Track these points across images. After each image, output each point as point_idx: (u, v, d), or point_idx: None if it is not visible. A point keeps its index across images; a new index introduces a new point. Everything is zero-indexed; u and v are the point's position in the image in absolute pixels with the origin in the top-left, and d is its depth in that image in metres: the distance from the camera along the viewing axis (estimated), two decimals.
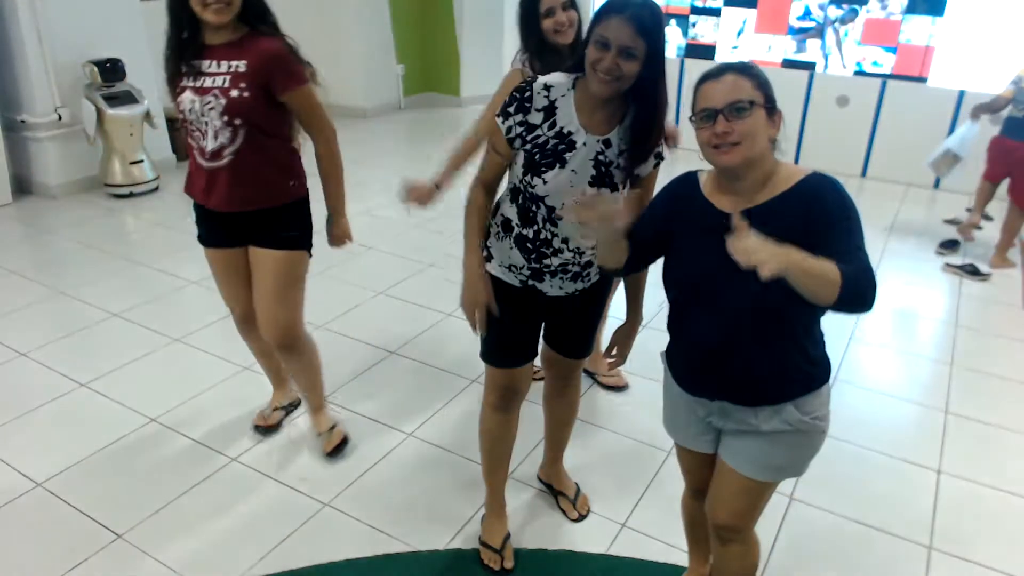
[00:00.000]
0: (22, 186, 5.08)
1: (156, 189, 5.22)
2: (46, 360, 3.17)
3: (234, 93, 2.10)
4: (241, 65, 2.11)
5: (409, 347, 3.34)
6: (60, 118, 4.89)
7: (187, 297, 3.78)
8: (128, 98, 4.97)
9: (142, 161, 5.11)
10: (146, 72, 5.27)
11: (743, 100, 1.42)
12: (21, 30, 4.62)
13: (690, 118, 1.49)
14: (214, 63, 2.12)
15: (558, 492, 2.43)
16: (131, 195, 5.09)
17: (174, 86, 2.19)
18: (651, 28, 1.59)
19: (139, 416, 2.82)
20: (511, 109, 1.75)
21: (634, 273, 1.77)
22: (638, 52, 1.59)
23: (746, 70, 1.45)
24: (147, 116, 5.08)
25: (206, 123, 2.15)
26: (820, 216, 1.40)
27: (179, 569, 2.15)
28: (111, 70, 4.90)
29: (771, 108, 1.46)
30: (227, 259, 2.39)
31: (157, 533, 2.28)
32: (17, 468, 2.53)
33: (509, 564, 2.17)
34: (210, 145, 2.17)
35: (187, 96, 2.14)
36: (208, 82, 2.12)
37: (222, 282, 2.46)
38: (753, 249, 1.25)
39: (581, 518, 2.38)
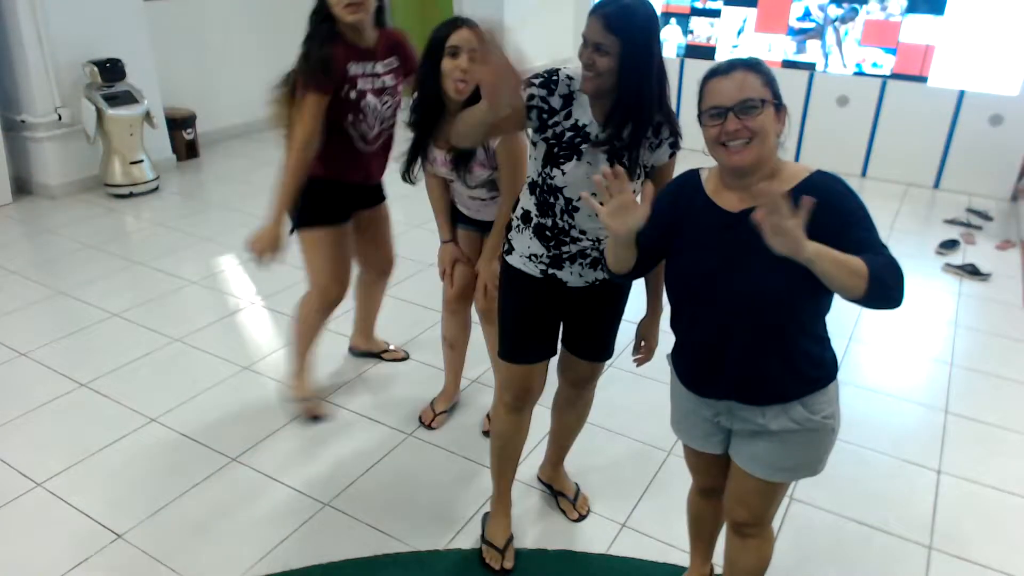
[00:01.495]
0: (22, 186, 5.07)
1: (156, 189, 5.22)
2: (46, 360, 3.17)
3: (399, 87, 2.51)
4: (395, 60, 2.48)
5: (409, 347, 3.34)
6: (60, 118, 4.89)
7: (187, 297, 3.78)
8: (128, 98, 4.97)
9: (142, 161, 5.11)
10: (146, 72, 5.27)
11: (754, 98, 1.41)
12: (21, 30, 4.62)
13: (698, 116, 1.49)
14: (380, 64, 2.43)
15: (558, 492, 2.43)
16: (131, 195, 5.09)
17: (327, 85, 2.32)
18: (622, 25, 1.64)
19: (139, 416, 2.82)
20: (536, 81, 1.78)
21: (639, 277, 1.78)
22: (609, 48, 1.65)
23: (755, 66, 1.45)
24: (147, 116, 5.07)
25: (376, 117, 2.47)
26: (832, 215, 1.40)
27: (179, 569, 2.15)
28: (111, 70, 4.90)
29: (778, 105, 1.46)
30: (343, 234, 2.65)
31: (157, 533, 2.28)
32: (17, 468, 2.53)
33: (509, 564, 2.17)
34: (375, 132, 2.52)
35: (370, 99, 2.42)
36: (379, 83, 2.44)
37: (335, 259, 2.63)
38: (790, 228, 1.25)
39: (581, 518, 2.38)
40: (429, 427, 2.80)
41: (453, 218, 2.55)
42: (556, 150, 1.80)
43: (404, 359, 3.27)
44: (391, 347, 3.30)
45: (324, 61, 2.29)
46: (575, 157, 1.79)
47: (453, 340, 2.78)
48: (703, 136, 1.48)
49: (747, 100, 1.41)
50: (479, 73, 1.61)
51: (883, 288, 1.32)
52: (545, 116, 1.79)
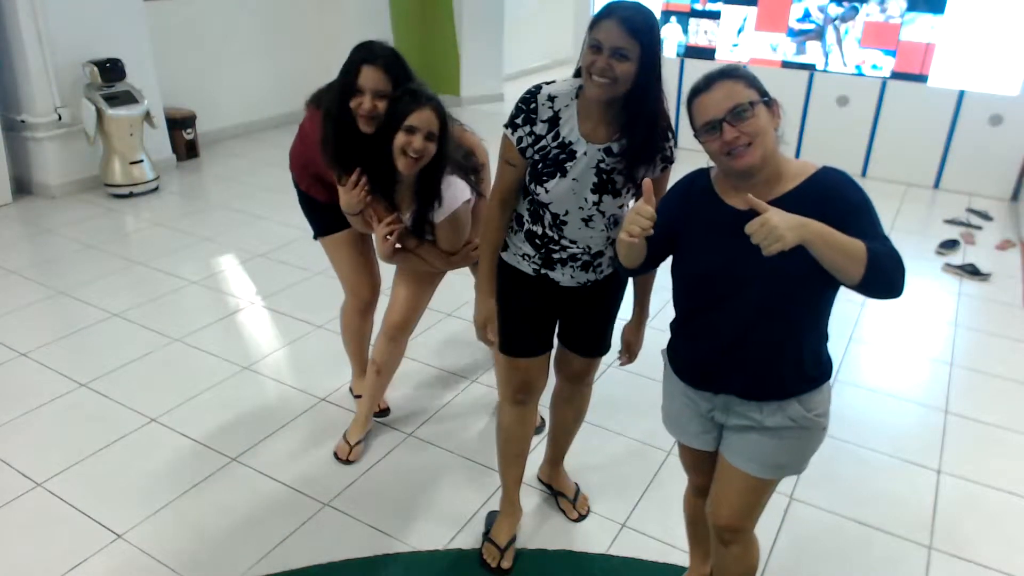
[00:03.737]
0: (22, 186, 5.07)
1: (156, 189, 5.22)
2: (46, 360, 3.17)
3: None
4: None
5: (409, 347, 3.33)
6: (60, 118, 4.89)
7: (187, 297, 3.78)
8: (128, 98, 4.97)
9: (142, 161, 5.11)
10: (146, 72, 5.27)
11: (742, 103, 1.42)
12: (21, 30, 4.62)
13: (694, 135, 1.50)
14: None
15: (558, 492, 2.44)
16: (131, 195, 5.09)
17: None
18: (643, 30, 1.61)
19: (139, 416, 2.82)
20: (519, 121, 1.79)
21: (648, 271, 1.78)
22: (631, 53, 1.62)
23: (733, 73, 1.46)
24: (147, 116, 5.07)
25: None
26: (840, 208, 1.41)
27: (179, 569, 2.15)
28: (111, 70, 4.90)
29: (768, 101, 1.47)
30: (353, 237, 2.61)
31: (157, 533, 2.28)
32: (17, 468, 2.53)
33: (507, 564, 2.17)
34: None
35: None
36: None
37: (359, 260, 2.65)
38: (772, 226, 1.27)
39: (581, 518, 2.38)
40: (347, 461, 2.60)
41: None
42: (540, 167, 1.79)
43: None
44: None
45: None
46: (559, 174, 1.78)
47: (382, 367, 2.61)
48: (706, 152, 1.49)
49: (736, 107, 1.42)
50: None
51: (881, 273, 1.33)
52: (533, 144, 1.79)
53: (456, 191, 2.23)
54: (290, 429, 2.78)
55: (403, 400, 2.97)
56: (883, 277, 1.34)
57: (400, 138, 2.09)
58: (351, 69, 2.19)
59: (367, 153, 2.20)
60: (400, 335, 2.59)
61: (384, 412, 2.86)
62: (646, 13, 1.64)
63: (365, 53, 2.20)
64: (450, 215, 2.24)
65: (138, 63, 5.17)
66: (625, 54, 1.61)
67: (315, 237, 2.70)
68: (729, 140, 1.42)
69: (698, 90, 1.48)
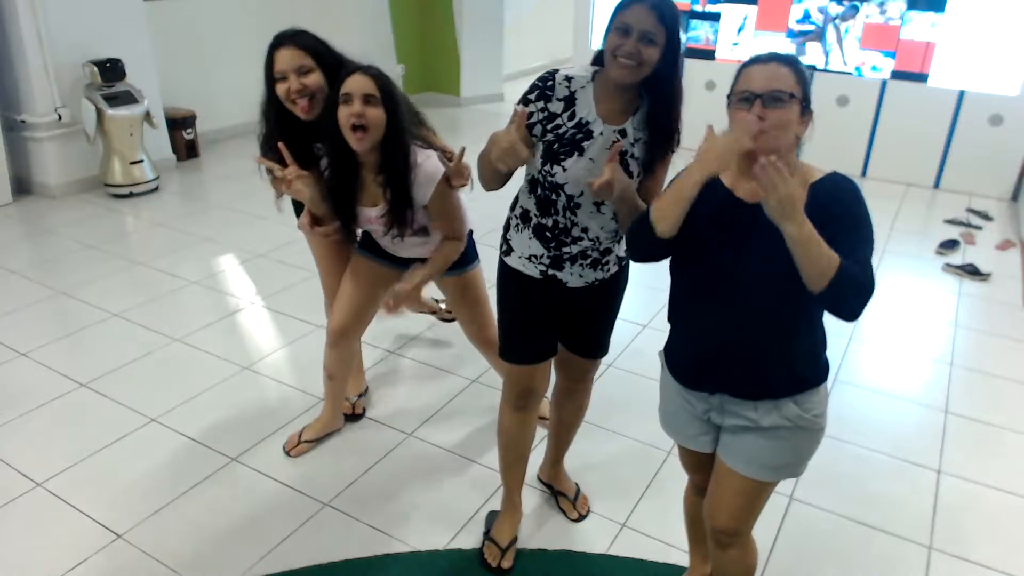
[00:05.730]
0: (22, 186, 5.07)
1: (156, 189, 5.22)
2: (46, 360, 3.17)
3: None
4: None
5: (409, 347, 3.34)
6: (60, 118, 4.89)
7: (187, 297, 3.78)
8: (128, 98, 4.97)
9: (142, 161, 5.11)
10: (146, 72, 5.27)
11: (783, 91, 1.44)
12: (21, 30, 4.62)
13: (727, 98, 1.51)
14: None
15: (558, 492, 2.44)
16: (131, 195, 5.09)
17: None
18: (670, 17, 1.66)
19: (139, 416, 2.82)
20: (532, 96, 1.80)
21: (657, 261, 1.67)
22: (658, 39, 1.66)
23: (792, 63, 1.48)
24: (147, 116, 5.07)
25: None
26: (838, 215, 1.43)
27: (179, 569, 2.15)
28: (111, 70, 4.90)
29: (806, 106, 1.49)
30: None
31: (157, 533, 2.28)
32: (17, 468, 2.53)
33: (507, 564, 2.17)
34: None
35: None
36: None
37: (341, 256, 2.58)
38: (788, 186, 1.33)
39: (581, 518, 2.38)
40: (288, 453, 2.63)
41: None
42: (556, 147, 1.80)
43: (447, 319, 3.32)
44: (441, 305, 3.31)
45: None
46: (576, 153, 1.78)
47: (332, 372, 2.58)
48: (728, 118, 1.51)
49: (777, 91, 1.44)
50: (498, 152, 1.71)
51: (843, 292, 1.37)
52: (545, 123, 1.79)
53: (434, 161, 2.12)
54: (290, 429, 2.77)
55: (403, 400, 2.97)
56: (843, 295, 1.38)
57: (341, 112, 2.00)
58: (267, 63, 2.17)
59: (310, 143, 2.11)
60: (341, 341, 2.48)
61: (358, 416, 2.84)
62: (671, 2, 1.69)
63: (272, 41, 2.18)
64: (439, 186, 2.13)
65: (138, 63, 5.17)
66: (653, 39, 1.65)
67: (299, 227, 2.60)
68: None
69: (756, 60, 1.50)
